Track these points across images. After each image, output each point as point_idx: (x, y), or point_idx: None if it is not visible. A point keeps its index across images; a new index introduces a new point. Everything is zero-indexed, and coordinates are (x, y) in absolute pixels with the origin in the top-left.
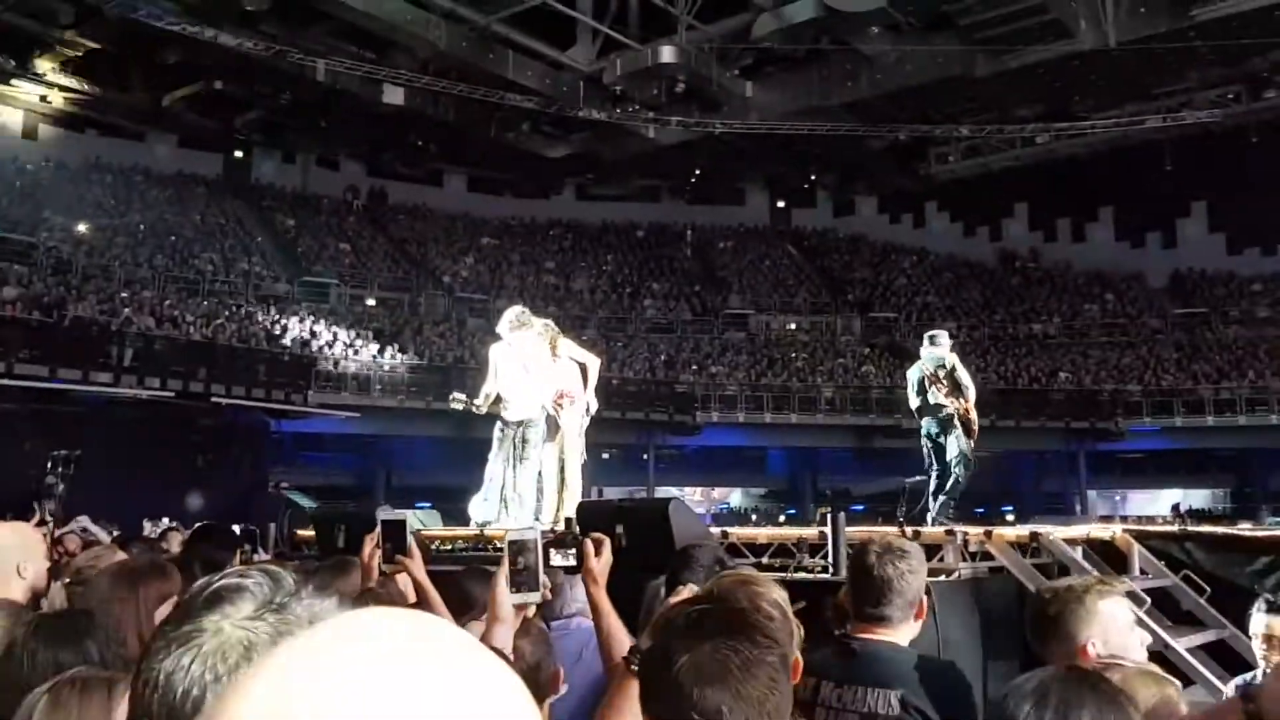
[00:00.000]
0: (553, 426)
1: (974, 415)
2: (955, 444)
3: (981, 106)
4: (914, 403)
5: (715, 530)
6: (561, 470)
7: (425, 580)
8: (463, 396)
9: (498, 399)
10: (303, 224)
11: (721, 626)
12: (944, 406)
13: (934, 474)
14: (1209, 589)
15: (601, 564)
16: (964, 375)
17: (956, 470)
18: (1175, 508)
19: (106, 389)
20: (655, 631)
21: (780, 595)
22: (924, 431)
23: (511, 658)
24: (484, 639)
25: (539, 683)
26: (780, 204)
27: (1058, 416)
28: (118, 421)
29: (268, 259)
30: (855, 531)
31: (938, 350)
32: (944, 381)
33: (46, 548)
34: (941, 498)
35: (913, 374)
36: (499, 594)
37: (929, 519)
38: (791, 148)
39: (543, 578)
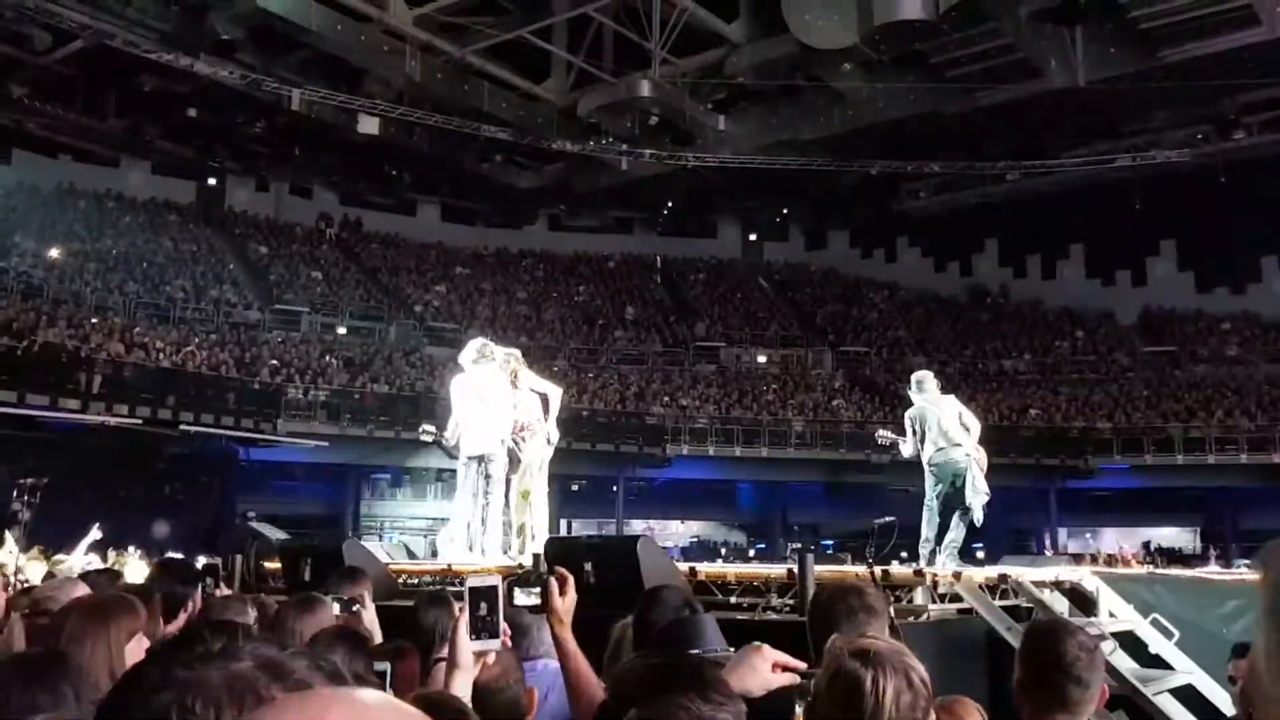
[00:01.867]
0: (514, 459)
1: (984, 457)
2: (970, 492)
3: (953, 143)
4: (921, 452)
5: (684, 566)
6: (526, 503)
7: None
8: (432, 429)
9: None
10: (275, 252)
11: (679, 680)
12: (959, 446)
13: (927, 513)
14: (1178, 632)
15: (566, 603)
16: (970, 416)
17: (973, 516)
18: (1146, 545)
19: (75, 415)
20: (614, 681)
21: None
22: (938, 486)
23: (470, 707)
24: (445, 686)
25: (516, 706)
26: (752, 237)
27: (1028, 453)
28: (86, 448)
29: (239, 286)
30: (824, 571)
31: (932, 393)
32: (951, 427)
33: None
34: (953, 546)
35: (922, 415)
36: (460, 641)
37: (939, 563)
38: (764, 181)
39: (503, 625)
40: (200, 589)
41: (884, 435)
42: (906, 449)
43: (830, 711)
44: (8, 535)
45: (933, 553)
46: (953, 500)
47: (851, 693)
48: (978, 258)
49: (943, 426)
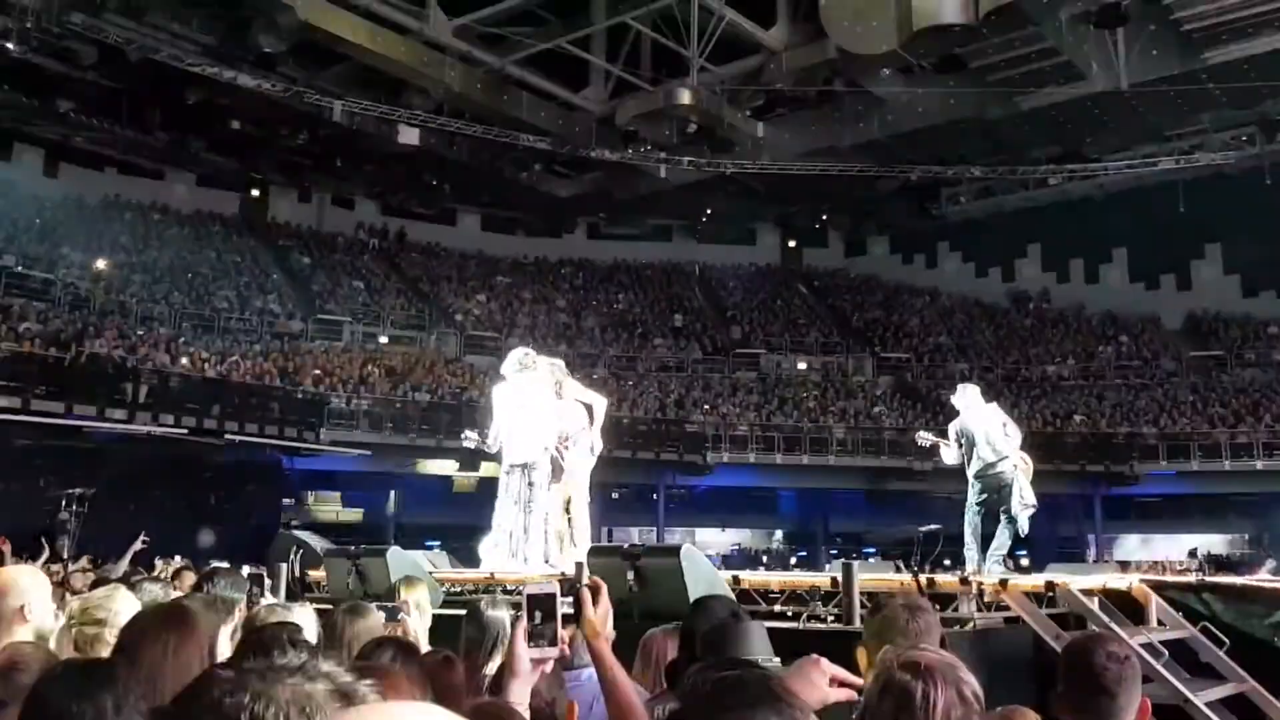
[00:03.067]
0: (557, 468)
1: (1030, 465)
2: (1016, 502)
3: (994, 147)
4: (966, 462)
5: (726, 574)
6: (567, 512)
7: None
8: (474, 435)
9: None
10: (318, 262)
11: (748, 697)
12: (1006, 457)
13: (974, 527)
14: (1228, 641)
15: (600, 613)
16: (1012, 425)
17: (1018, 525)
18: (1193, 553)
19: (121, 426)
20: (683, 694)
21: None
22: (983, 495)
23: (526, 715)
24: (501, 693)
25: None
26: (792, 244)
27: (1072, 460)
28: (132, 459)
29: (283, 297)
30: (868, 579)
31: (974, 400)
32: (997, 436)
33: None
34: (999, 553)
35: (967, 430)
36: (517, 649)
37: (985, 571)
38: (803, 188)
39: (560, 633)
40: (246, 598)
41: (924, 436)
42: (950, 456)
43: None
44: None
45: (978, 561)
46: (997, 508)
47: (903, 705)
48: (1020, 263)
49: (990, 439)
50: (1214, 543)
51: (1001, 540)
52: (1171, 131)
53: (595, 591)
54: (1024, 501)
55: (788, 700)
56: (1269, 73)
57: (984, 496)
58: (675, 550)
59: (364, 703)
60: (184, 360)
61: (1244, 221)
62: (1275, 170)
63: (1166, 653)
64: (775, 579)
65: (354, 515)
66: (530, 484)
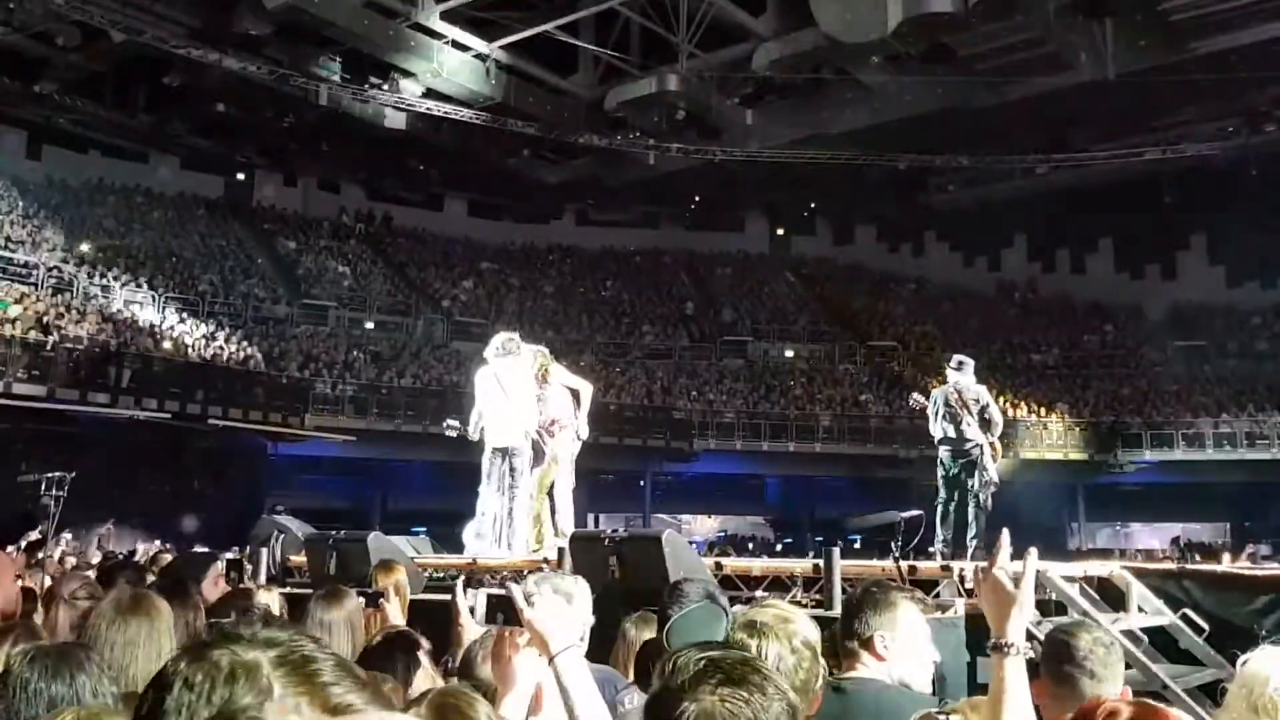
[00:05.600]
0: (539, 453)
1: (999, 450)
2: (978, 479)
3: (981, 137)
4: (935, 431)
5: (709, 561)
6: (550, 497)
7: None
8: (456, 423)
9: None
10: (303, 247)
11: (730, 675)
12: (971, 440)
13: (941, 506)
14: (1208, 628)
15: (543, 626)
16: (994, 409)
17: (982, 504)
18: (1175, 541)
19: (104, 409)
20: (660, 677)
21: (814, 634)
22: (941, 462)
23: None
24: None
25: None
26: (779, 231)
27: (1055, 448)
28: (115, 443)
29: (267, 281)
30: (850, 565)
31: (967, 378)
32: (974, 414)
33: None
34: (975, 539)
35: (938, 397)
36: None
37: (968, 556)
38: (791, 176)
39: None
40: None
41: (917, 399)
42: (931, 424)
43: None
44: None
45: (946, 545)
46: (962, 488)
47: None
48: (1006, 252)
49: (970, 417)
50: (1197, 531)
51: (977, 529)
52: (1157, 122)
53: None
54: (986, 478)
55: (769, 678)
56: (1255, 64)
57: (949, 473)
58: (657, 536)
59: (314, 671)
60: (168, 344)
61: (1228, 213)
62: (1260, 161)
63: (1146, 639)
64: (757, 565)
65: (339, 501)
66: (512, 469)
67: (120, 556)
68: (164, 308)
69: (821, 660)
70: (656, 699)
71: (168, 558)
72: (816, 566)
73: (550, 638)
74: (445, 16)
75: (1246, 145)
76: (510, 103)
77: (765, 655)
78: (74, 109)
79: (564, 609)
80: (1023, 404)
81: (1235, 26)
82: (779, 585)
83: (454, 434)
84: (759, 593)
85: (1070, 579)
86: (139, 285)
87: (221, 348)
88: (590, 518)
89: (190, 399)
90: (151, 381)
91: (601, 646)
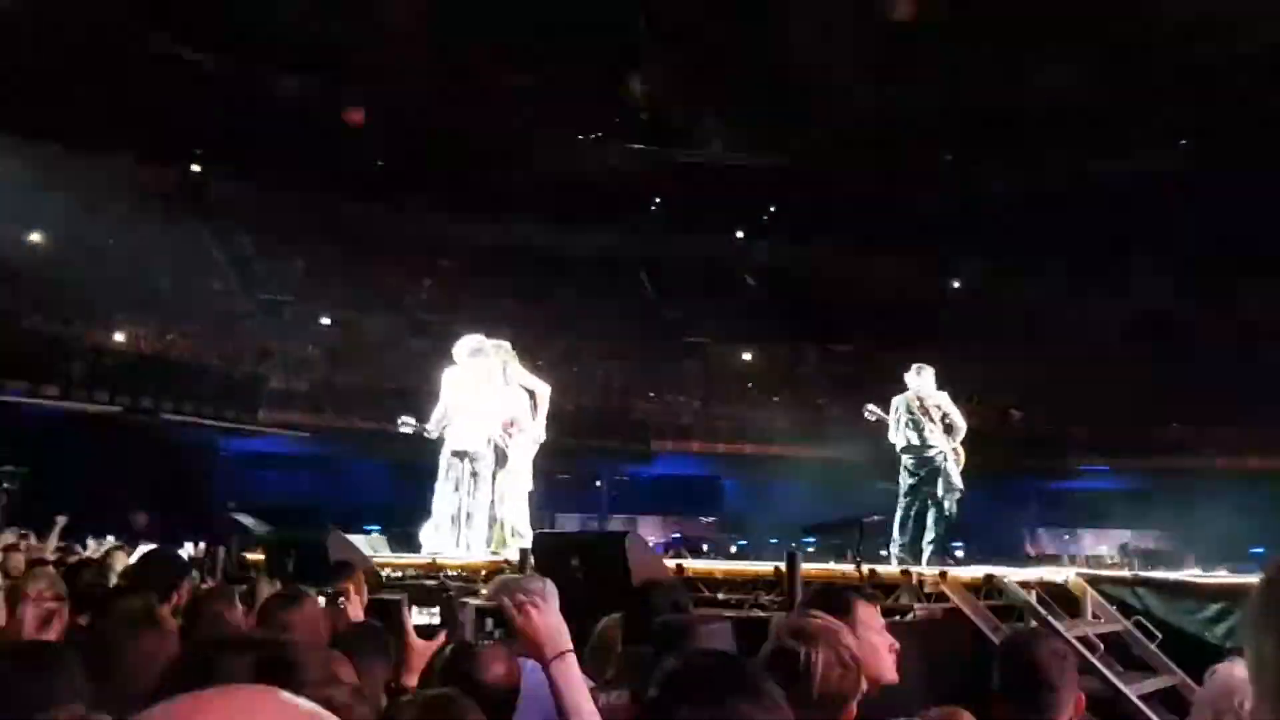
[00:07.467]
0: (501, 456)
1: (961, 455)
2: (942, 485)
3: (940, 144)
4: (898, 438)
5: (671, 563)
6: (503, 500)
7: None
8: (412, 420)
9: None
10: (259, 242)
11: (728, 685)
12: (935, 447)
13: (901, 512)
14: (1160, 635)
15: (541, 629)
16: (956, 415)
17: (946, 510)
18: (1124, 547)
19: (54, 403)
20: (664, 679)
21: (858, 649)
22: (905, 468)
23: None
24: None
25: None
26: (739, 234)
27: (1009, 455)
28: (65, 436)
29: (223, 276)
30: (811, 569)
31: (927, 384)
32: (936, 420)
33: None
34: (932, 544)
35: (899, 404)
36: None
37: (924, 562)
38: (753, 178)
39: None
40: (187, 582)
41: (871, 410)
42: (890, 432)
43: None
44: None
45: (905, 549)
46: (924, 496)
47: (789, 667)
48: (965, 259)
49: (930, 424)
50: (1144, 538)
51: (935, 534)
52: (1110, 134)
53: (522, 609)
54: (951, 485)
55: (767, 691)
56: (1206, 78)
57: (913, 480)
58: (620, 538)
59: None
60: (119, 337)
61: (1178, 225)
62: (1210, 174)
63: (1101, 646)
64: (719, 567)
65: (291, 498)
66: (474, 473)
67: (80, 554)
68: (116, 301)
69: (864, 678)
70: (653, 704)
71: (123, 555)
72: (778, 570)
73: (546, 643)
74: (408, 8)
75: (1195, 158)
76: (471, 97)
77: (816, 661)
78: (27, 98)
79: (556, 615)
80: (976, 411)
81: (1184, 40)
82: (740, 588)
83: (409, 430)
84: (720, 595)
85: (1026, 585)
86: (91, 278)
87: (174, 342)
88: (547, 520)
89: (142, 393)
90: (102, 375)
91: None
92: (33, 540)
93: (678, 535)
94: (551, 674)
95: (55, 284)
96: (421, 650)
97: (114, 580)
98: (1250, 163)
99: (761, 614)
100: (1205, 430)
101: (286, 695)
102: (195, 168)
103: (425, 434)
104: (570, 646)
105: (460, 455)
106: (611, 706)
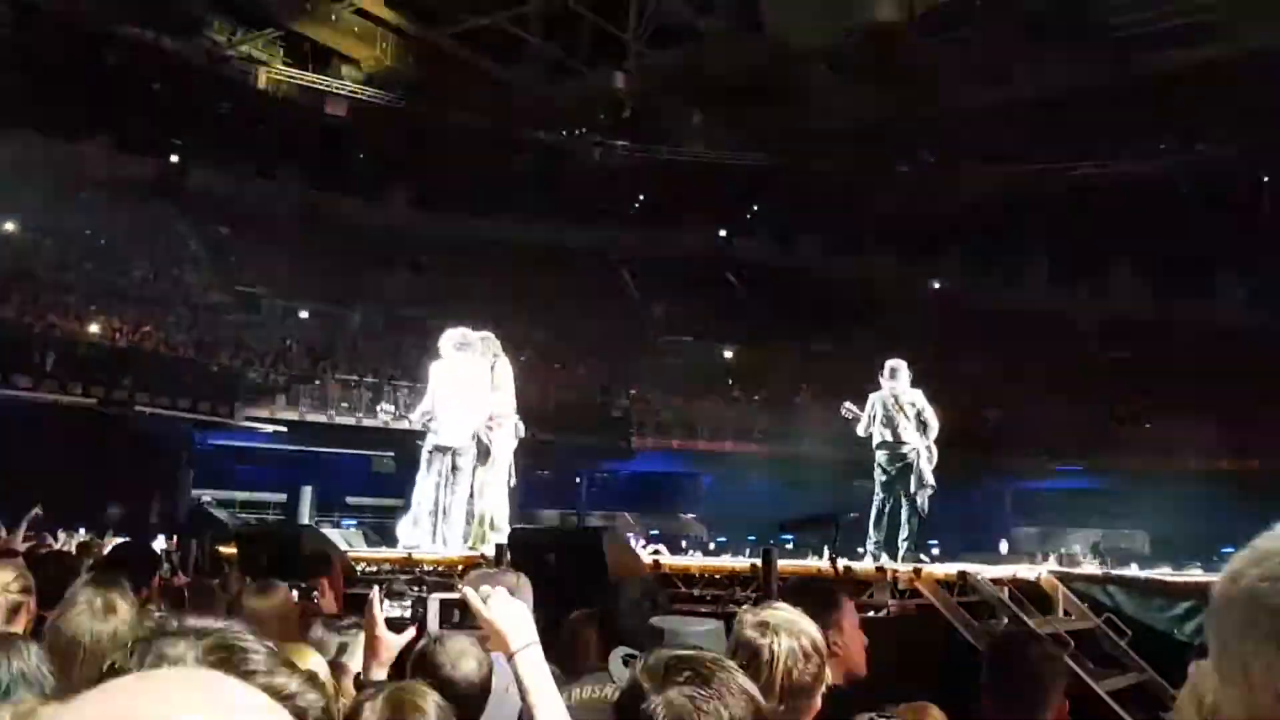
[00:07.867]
0: (484, 450)
1: (935, 453)
2: (915, 482)
3: (924, 146)
4: (874, 434)
5: (648, 558)
6: (482, 494)
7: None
8: (390, 408)
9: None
10: (237, 234)
11: (699, 673)
12: (908, 444)
13: (875, 509)
14: (1130, 633)
15: (499, 624)
16: (930, 414)
17: (918, 507)
18: (1095, 547)
19: (27, 393)
20: (642, 671)
21: (820, 639)
22: (879, 465)
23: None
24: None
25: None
26: (722, 233)
27: (986, 454)
28: (37, 427)
29: (200, 268)
30: (787, 565)
31: (902, 383)
32: (911, 418)
33: None
34: (906, 541)
35: (875, 402)
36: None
37: (899, 559)
38: (736, 178)
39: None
40: (157, 576)
41: (848, 408)
42: (861, 427)
43: None
44: None
45: (879, 546)
46: (898, 490)
47: (750, 659)
48: (944, 260)
49: (905, 421)
50: (1115, 538)
51: (909, 530)
52: (1092, 137)
53: (486, 600)
54: (924, 482)
55: (739, 682)
56: (1188, 82)
57: (886, 477)
58: (597, 533)
59: (243, 659)
60: (94, 328)
61: (1159, 228)
62: (1191, 179)
63: (1073, 643)
64: (696, 563)
65: (268, 492)
66: (455, 468)
67: (51, 545)
68: (91, 292)
69: (828, 665)
70: (628, 694)
71: (93, 548)
72: (754, 566)
73: (509, 635)
74: (391, 4)
75: (1179, 163)
76: (454, 94)
77: (779, 650)
78: (3, 86)
79: (520, 607)
80: (954, 410)
81: (1173, 46)
82: (717, 584)
83: (388, 418)
84: (697, 591)
85: (999, 582)
86: (67, 268)
87: (149, 333)
88: (527, 515)
89: (116, 385)
90: (76, 366)
91: (542, 643)
92: (2, 532)
93: (654, 531)
94: (516, 667)
95: (28, 274)
96: (391, 643)
97: (84, 573)
98: (1218, 167)
99: (738, 609)
100: (1179, 431)
101: (230, 679)
102: (173, 158)
103: (409, 421)
104: (535, 639)
105: (443, 450)
106: (582, 701)
